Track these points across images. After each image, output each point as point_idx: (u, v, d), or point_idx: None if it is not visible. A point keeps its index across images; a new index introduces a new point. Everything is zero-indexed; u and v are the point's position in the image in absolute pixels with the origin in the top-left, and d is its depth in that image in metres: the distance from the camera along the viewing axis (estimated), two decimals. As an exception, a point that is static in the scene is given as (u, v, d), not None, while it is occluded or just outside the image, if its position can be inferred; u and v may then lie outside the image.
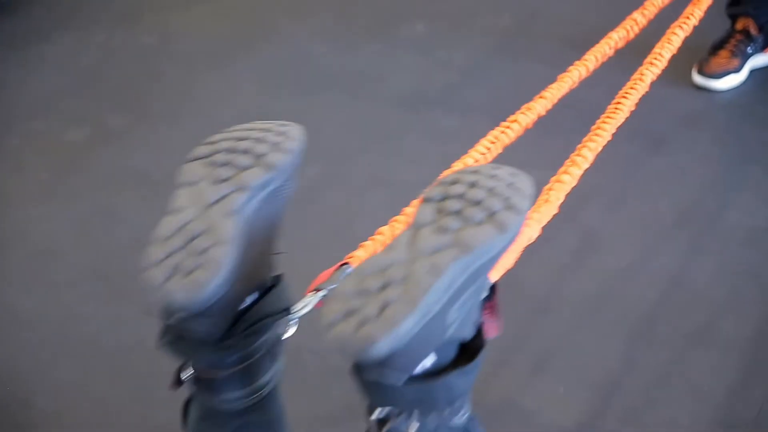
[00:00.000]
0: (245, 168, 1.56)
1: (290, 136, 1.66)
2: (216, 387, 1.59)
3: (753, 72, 3.33)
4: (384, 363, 1.34)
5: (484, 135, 3.18)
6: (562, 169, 1.84)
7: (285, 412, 1.68)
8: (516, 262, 1.70)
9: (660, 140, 3.11)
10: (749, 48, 3.31)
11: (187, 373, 1.62)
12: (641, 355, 2.41)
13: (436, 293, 1.32)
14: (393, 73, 3.57)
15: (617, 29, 2.37)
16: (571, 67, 2.27)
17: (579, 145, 1.91)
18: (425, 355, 1.39)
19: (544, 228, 2.33)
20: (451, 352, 1.43)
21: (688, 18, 2.34)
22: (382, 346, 1.29)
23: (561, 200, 1.76)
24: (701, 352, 2.39)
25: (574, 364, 2.40)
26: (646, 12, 2.42)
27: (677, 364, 2.37)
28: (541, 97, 2.19)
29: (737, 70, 3.28)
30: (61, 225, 2.98)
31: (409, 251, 1.37)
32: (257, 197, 1.55)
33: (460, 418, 1.49)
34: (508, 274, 2.41)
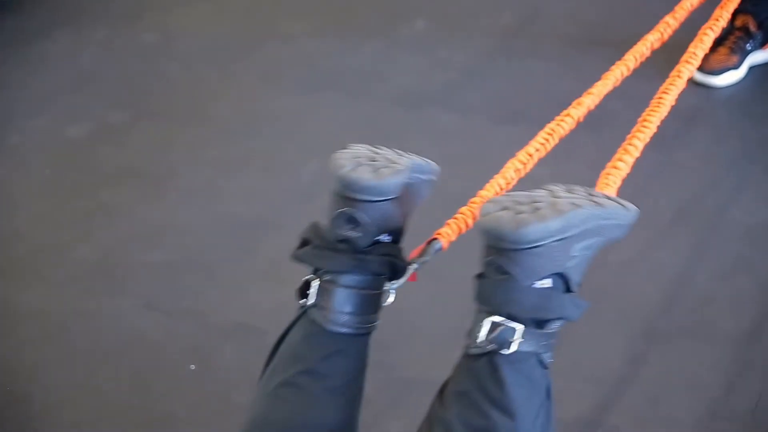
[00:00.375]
0: (403, 154, 1.84)
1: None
2: (337, 299, 1.75)
3: (752, 69, 3.34)
4: (518, 259, 1.57)
5: (484, 134, 3.21)
6: (617, 156, 1.99)
7: (367, 365, 1.81)
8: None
9: (659, 137, 3.09)
10: (748, 45, 3.32)
11: (315, 285, 1.76)
12: (641, 351, 2.42)
13: (576, 216, 1.59)
14: (393, 71, 3.58)
15: (652, 32, 2.42)
16: (613, 67, 2.34)
17: (629, 136, 2.05)
18: (549, 270, 1.60)
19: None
20: (561, 289, 1.63)
21: (717, 20, 2.39)
22: (534, 230, 1.55)
23: (618, 185, 1.91)
24: (700, 347, 2.40)
25: (575, 359, 2.40)
26: (677, 15, 2.47)
27: (676, 358, 2.38)
28: (589, 93, 2.28)
29: (736, 66, 3.29)
30: (64, 221, 2.99)
31: (551, 195, 1.63)
32: (414, 173, 1.80)
33: (548, 358, 1.64)
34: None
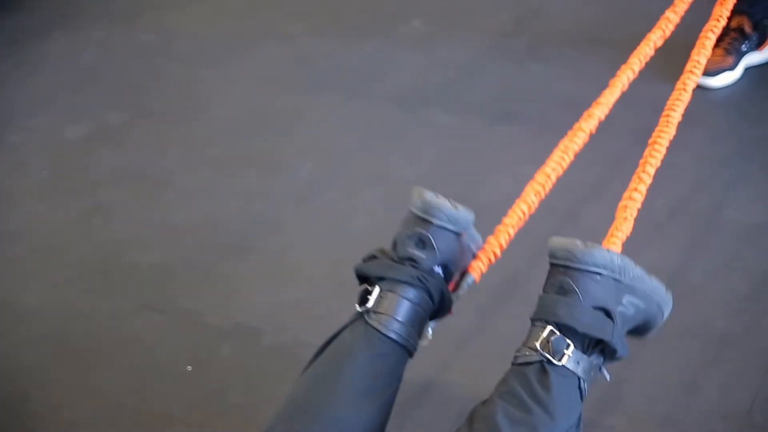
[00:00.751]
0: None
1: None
2: (394, 305, 1.91)
3: (748, 70, 3.34)
4: (581, 281, 1.79)
5: (482, 133, 3.21)
6: (632, 185, 2.10)
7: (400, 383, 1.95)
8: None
9: (655, 137, 3.11)
10: (744, 46, 3.32)
11: (375, 292, 1.93)
12: (636, 350, 2.42)
13: (631, 266, 1.86)
14: (391, 71, 3.58)
15: (654, 29, 2.42)
16: (619, 72, 2.37)
17: (641, 161, 2.16)
18: (602, 302, 1.80)
19: (545, 228, 2.36)
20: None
21: (717, 21, 2.39)
22: (600, 255, 1.80)
23: (635, 216, 2.07)
24: (696, 347, 2.41)
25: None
26: (677, 9, 2.47)
27: (672, 358, 2.38)
28: (598, 103, 2.31)
29: (732, 67, 3.29)
30: (62, 221, 3.00)
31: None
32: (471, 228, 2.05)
33: (587, 388, 1.80)
34: (510, 274, 2.44)
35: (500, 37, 3.71)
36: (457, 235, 1.99)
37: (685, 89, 2.28)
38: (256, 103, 3.47)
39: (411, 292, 1.92)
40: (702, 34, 2.41)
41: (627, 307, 1.85)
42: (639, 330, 1.94)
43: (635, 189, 2.10)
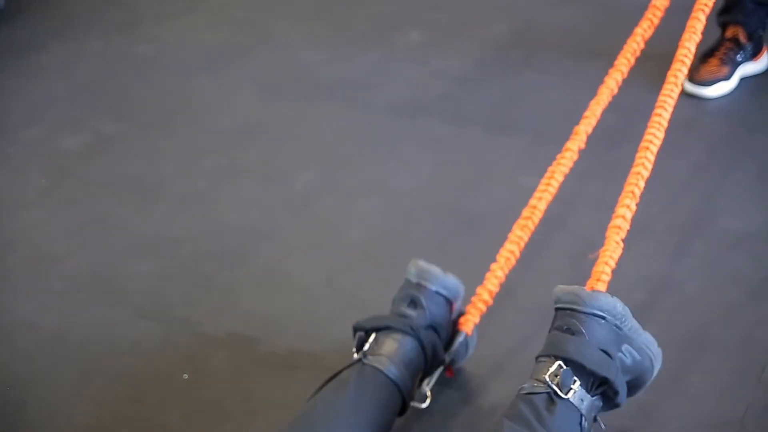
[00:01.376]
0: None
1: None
2: (389, 345, 2.09)
3: (743, 80, 3.35)
4: (587, 323, 1.91)
5: (478, 144, 3.22)
6: (622, 200, 2.21)
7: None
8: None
9: (651, 147, 3.12)
10: (738, 56, 3.33)
11: (371, 338, 2.13)
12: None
13: (630, 317, 2.00)
14: (388, 81, 3.59)
15: (641, 22, 2.43)
16: (607, 77, 2.39)
17: (630, 176, 2.25)
18: (605, 345, 1.92)
19: (537, 235, 2.38)
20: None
21: (706, 4, 2.37)
22: (605, 300, 1.93)
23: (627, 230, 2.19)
24: (690, 355, 2.41)
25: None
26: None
27: (667, 366, 2.38)
28: (585, 117, 2.36)
29: (727, 77, 3.31)
30: (59, 231, 3.00)
31: None
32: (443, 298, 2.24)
33: (588, 421, 1.90)
34: (505, 282, 2.44)
35: (496, 48, 3.72)
36: (448, 301, 2.20)
37: (676, 77, 2.26)
38: (254, 113, 3.48)
39: (405, 340, 2.09)
40: (692, 15, 2.39)
41: (626, 355, 1.96)
42: (631, 385, 2.02)
43: (627, 206, 2.20)
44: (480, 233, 2.66)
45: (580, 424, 1.86)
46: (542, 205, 2.28)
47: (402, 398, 2.07)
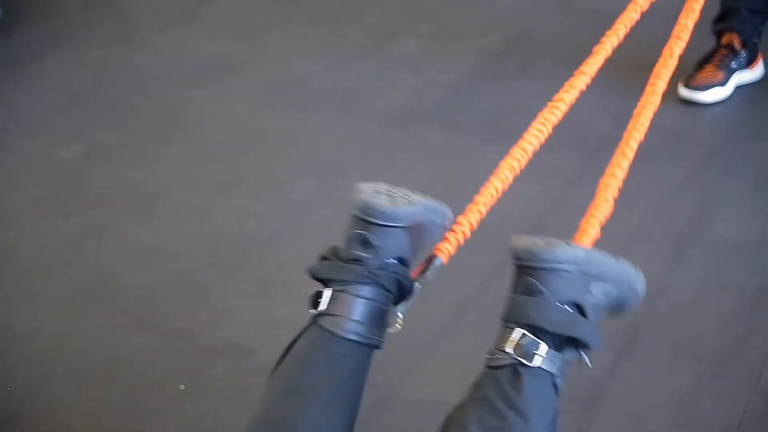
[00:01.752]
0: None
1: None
2: (348, 305, 1.88)
3: (739, 88, 3.36)
4: (546, 279, 1.77)
5: (473, 152, 3.23)
6: (614, 161, 2.11)
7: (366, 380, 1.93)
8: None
9: (646, 154, 3.12)
10: (734, 63, 3.34)
11: (327, 294, 1.91)
12: (625, 366, 2.44)
13: (597, 256, 1.83)
14: (383, 90, 3.60)
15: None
16: (604, 38, 2.36)
17: (625, 134, 2.16)
18: (571, 296, 1.78)
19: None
20: None
21: (678, 39, 2.38)
22: (563, 252, 1.78)
23: (616, 195, 2.07)
24: (685, 363, 2.42)
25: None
26: None
27: (662, 374, 2.40)
28: (581, 73, 2.29)
29: (722, 83, 3.32)
30: (56, 241, 3.01)
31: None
32: (428, 213, 1.97)
33: (561, 384, 1.78)
34: (496, 288, 2.44)
35: (492, 56, 3.73)
36: (404, 228, 1.94)
37: (671, 55, 2.25)
38: (250, 122, 3.49)
39: (363, 290, 1.90)
40: (664, 50, 2.39)
41: (597, 296, 1.83)
42: (614, 311, 1.91)
43: (618, 165, 2.09)
44: (475, 241, 2.64)
45: (554, 384, 1.76)
46: (531, 151, 2.20)
47: (377, 348, 1.94)
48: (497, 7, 4.08)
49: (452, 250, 2.03)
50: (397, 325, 1.94)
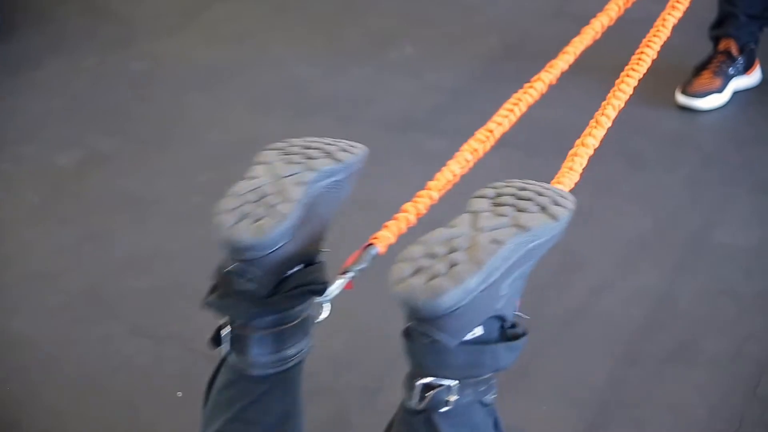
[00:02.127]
0: (316, 157, 1.75)
1: (356, 146, 1.84)
2: (250, 345, 1.70)
3: (736, 94, 3.36)
4: (441, 324, 1.47)
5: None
6: (589, 128, 1.92)
7: (302, 394, 1.79)
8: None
9: (643, 160, 3.14)
10: (731, 69, 3.35)
11: (226, 331, 1.73)
12: (624, 373, 2.44)
13: (498, 259, 1.48)
14: (381, 96, 3.60)
15: None
16: (593, 20, 2.30)
17: (604, 102, 1.99)
18: (478, 322, 1.51)
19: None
20: (495, 332, 1.56)
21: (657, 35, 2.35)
22: (450, 298, 1.44)
23: (584, 165, 1.85)
24: (683, 370, 2.42)
25: (558, 383, 2.42)
26: None
27: (660, 381, 2.40)
28: (564, 53, 2.23)
29: (720, 90, 3.32)
30: (53, 248, 3.00)
31: (472, 228, 1.53)
32: (323, 181, 1.73)
33: (491, 397, 1.60)
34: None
35: (490, 61, 3.73)
36: (288, 241, 1.66)
37: (664, 25, 2.21)
38: (247, 128, 3.48)
39: (264, 321, 1.70)
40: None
41: (510, 291, 1.55)
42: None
43: (590, 134, 1.90)
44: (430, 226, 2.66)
45: (482, 403, 1.58)
46: (498, 132, 2.11)
47: (296, 366, 1.76)
48: (495, 12, 4.08)
49: (393, 239, 1.81)
50: (325, 313, 1.73)
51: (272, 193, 1.69)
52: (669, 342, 2.50)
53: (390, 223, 1.83)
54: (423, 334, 1.50)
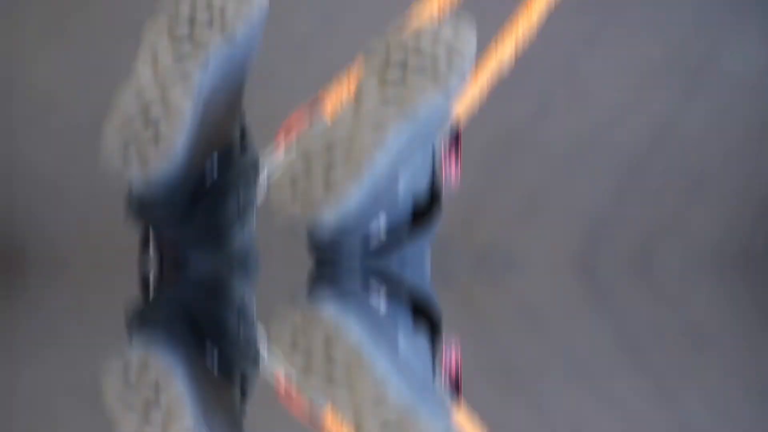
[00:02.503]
0: (205, 35, 1.49)
1: None
2: (182, 260, 1.60)
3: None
4: (335, 234, 1.42)
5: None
6: None
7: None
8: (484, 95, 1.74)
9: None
10: None
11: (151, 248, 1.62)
12: (629, 197, 2.44)
13: (380, 161, 1.38)
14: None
15: None
16: None
17: None
18: (376, 213, 1.44)
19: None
20: (406, 213, 1.48)
21: None
22: (329, 222, 1.38)
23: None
24: (691, 194, 2.42)
25: (563, 206, 2.42)
26: None
27: (666, 205, 2.40)
28: None
29: None
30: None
31: (354, 121, 1.40)
32: (216, 70, 1.50)
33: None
34: (491, 112, 2.44)
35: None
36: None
37: None
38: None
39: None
40: None
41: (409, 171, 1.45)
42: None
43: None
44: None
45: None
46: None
47: None
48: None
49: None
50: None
51: (155, 100, 1.47)
52: (678, 168, 2.49)
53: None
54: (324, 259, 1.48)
